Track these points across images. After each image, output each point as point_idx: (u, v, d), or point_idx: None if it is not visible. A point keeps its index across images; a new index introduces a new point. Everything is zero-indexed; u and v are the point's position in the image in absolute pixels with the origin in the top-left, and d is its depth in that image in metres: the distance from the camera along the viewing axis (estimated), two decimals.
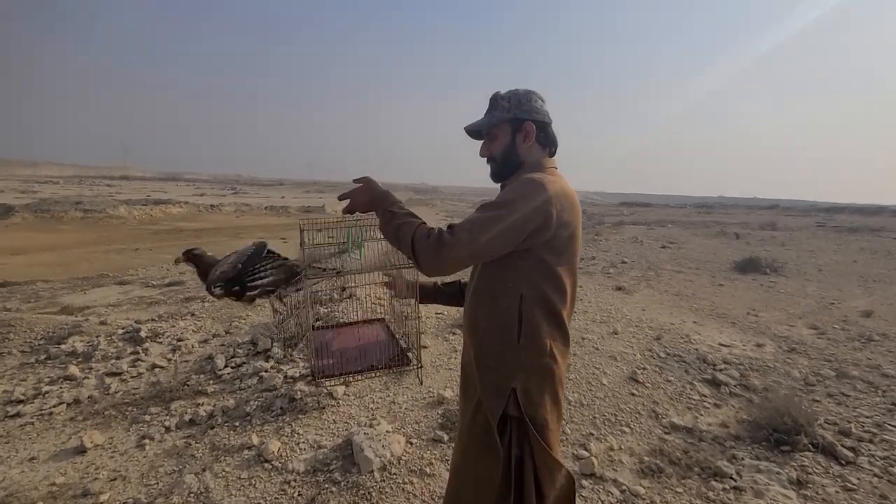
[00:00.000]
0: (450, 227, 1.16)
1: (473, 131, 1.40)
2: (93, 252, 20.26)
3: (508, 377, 1.23)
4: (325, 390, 3.13)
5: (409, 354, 1.68)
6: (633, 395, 3.28)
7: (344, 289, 3.30)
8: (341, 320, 2.34)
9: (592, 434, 2.81)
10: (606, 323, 4.77)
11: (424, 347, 3.89)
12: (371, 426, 2.69)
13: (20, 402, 3.46)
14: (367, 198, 1.31)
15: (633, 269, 7.04)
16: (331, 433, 2.74)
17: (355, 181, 1.37)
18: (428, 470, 2.46)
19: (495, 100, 1.35)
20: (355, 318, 2.37)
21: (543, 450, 1.22)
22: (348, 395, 3.13)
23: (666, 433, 2.83)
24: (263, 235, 26.43)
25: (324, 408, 2.99)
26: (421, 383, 2.42)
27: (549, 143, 1.36)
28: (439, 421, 2.78)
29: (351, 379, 1.80)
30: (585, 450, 2.64)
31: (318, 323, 2.18)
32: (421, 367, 1.63)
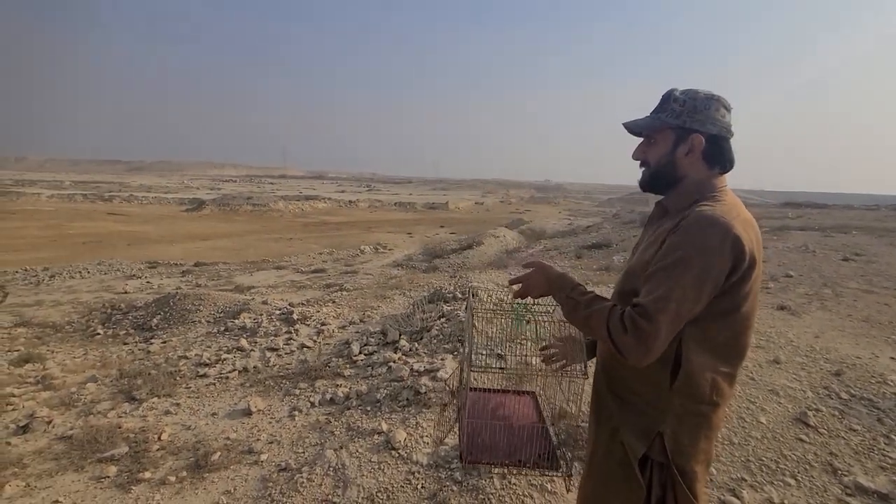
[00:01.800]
0: (636, 305, 1.02)
1: (632, 129, 1.25)
2: (258, 240, 24.01)
3: (656, 420, 1.10)
4: (448, 388, 3.23)
5: (560, 453, 1.47)
6: (801, 440, 2.74)
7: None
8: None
9: (745, 480, 2.42)
10: (765, 349, 4.08)
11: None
12: None
13: (206, 365, 4.23)
14: (543, 283, 1.23)
15: (802, 285, 5.92)
16: (453, 431, 2.81)
17: (526, 266, 1.30)
18: (549, 487, 2.37)
19: (666, 99, 1.18)
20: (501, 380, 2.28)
21: (689, 500, 1.09)
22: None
23: (848, 495, 2.31)
24: (392, 230, 28.51)
25: (447, 405, 3.07)
26: (568, 491, 2.22)
27: (720, 161, 1.17)
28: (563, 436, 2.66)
29: (497, 470, 1.73)
30: (736, 496, 2.29)
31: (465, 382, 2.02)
32: (570, 476, 1.41)
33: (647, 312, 0.99)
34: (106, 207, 38.42)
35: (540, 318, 1.65)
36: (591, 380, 1.34)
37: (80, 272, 15.15)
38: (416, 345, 4.12)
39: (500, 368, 1.62)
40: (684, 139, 1.15)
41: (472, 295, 1.72)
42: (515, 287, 1.30)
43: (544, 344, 1.69)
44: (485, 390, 1.93)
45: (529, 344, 1.76)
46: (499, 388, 1.94)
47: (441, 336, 4.18)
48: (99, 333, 6.60)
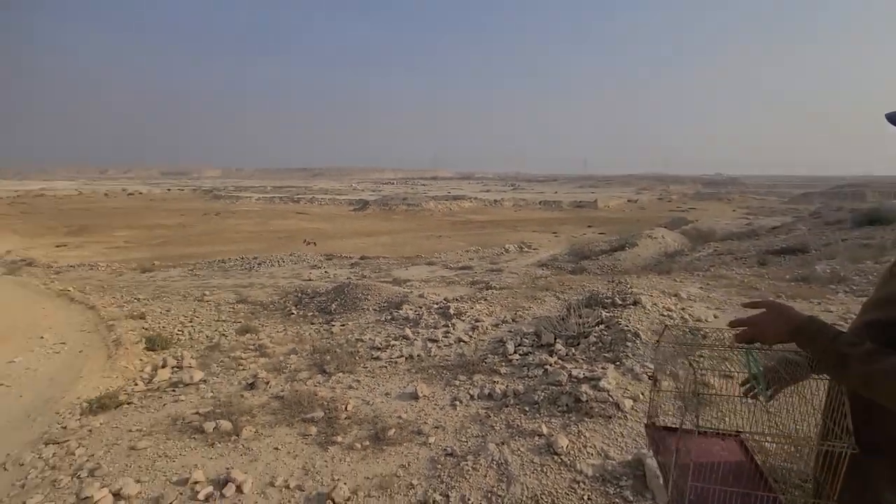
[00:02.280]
0: None
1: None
2: (412, 237, 26.17)
3: None
4: (611, 399, 3.05)
5: None
6: None
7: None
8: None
9: None
10: None
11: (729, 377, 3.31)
12: None
13: (378, 349, 4.76)
14: (782, 328, 1.00)
15: None
16: (618, 446, 2.65)
17: (750, 305, 1.09)
18: None
19: None
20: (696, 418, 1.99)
21: None
22: (636, 412, 2.97)
23: None
24: (536, 229, 28.21)
25: (610, 417, 2.92)
26: None
27: None
28: (674, 405, 2.30)
29: None
30: None
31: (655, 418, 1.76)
32: None
33: None
34: (295, 208, 46.09)
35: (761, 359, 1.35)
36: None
37: (277, 261, 18.45)
38: (573, 350, 3.99)
39: (735, 432, 1.38)
40: None
41: (665, 328, 1.51)
42: (738, 331, 1.08)
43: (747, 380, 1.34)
44: (674, 430, 1.65)
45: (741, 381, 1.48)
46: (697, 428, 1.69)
47: (601, 344, 3.98)
48: (293, 313, 7.95)
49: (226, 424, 3.25)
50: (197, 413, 3.50)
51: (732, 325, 1.11)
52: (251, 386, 4.07)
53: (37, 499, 2.56)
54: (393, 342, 4.87)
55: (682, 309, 4.56)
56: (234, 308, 8.56)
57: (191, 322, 7.25)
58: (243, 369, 4.59)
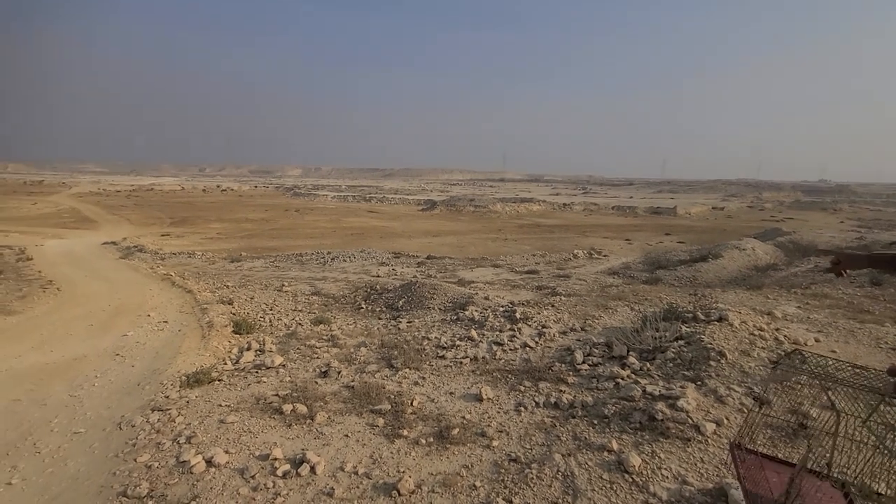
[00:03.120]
0: None
1: None
2: (478, 238, 26.18)
3: None
4: (691, 421, 2.85)
5: None
6: None
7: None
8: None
9: None
10: None
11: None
12: None
13: (444, 348, 4.82)
14: None
15: None
16: (697, 472, 2.47)
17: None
18: None
19: None
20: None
21: None
22: (719, 437, 2.74)
23: None
24: (608, 235, 27.01)
25: (689, 440, 2.73)
26: None
27: None
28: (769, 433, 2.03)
29: None
30: None
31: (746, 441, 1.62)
32: None
33: None
34: (366, 206, 48.00)
35: None
36: None
37: (349, 257, 19.32)
38: (648, 365, 3.78)
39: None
40: None
41: (796, 359, 1.36)
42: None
43: None
44: (765, 457, 1.48)
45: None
46: (777, 454, 1.50)
47: (679, 360, 3.73)
48: (362, 308, 8.28)
49: (301, 408, 3.47)
50: (276, 395, 3.77)
51: (891, 372, 0.99)
52: (324, 374, 4.31)
53: (145, 457, 2.91)
54: (458, 342, 4.91)
55: (777, 329, 4.14)
56: (309, 299, 9.10)
57: (271, 310, 7.82)
58: (317, 357, 4.86)
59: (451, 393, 3.79)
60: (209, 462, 2.79)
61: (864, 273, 9.32)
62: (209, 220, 33.13)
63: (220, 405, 3.64)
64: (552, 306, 6.20)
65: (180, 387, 4.05)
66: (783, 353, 1.43)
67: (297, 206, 46.21)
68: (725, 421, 2.87)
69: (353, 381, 4.08)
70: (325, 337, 5.89)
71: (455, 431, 3.08)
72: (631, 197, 65.37)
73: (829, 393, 1.22)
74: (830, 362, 1.78)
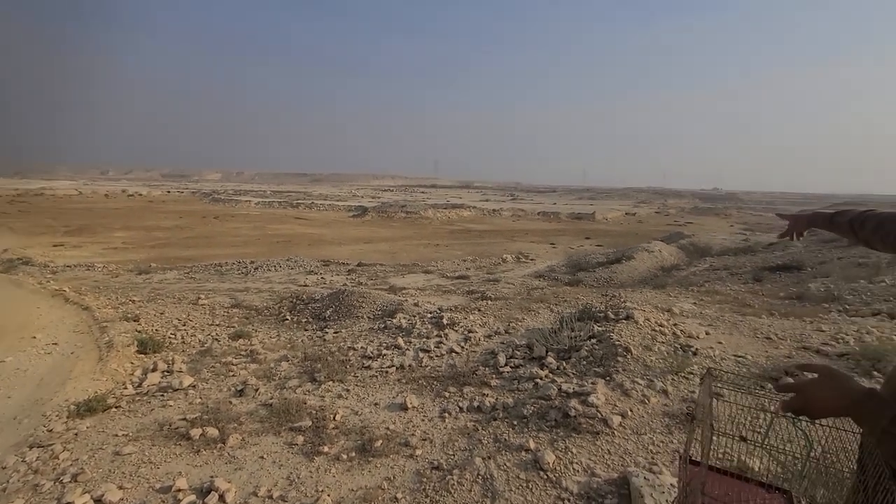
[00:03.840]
0: None
1: None
2: (409, 244, 26.16)
3: None
4: (600, 415, 3.05)
5: None
6: None
7: None
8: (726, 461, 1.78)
9: None
10: None
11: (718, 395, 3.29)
12: (651, 471, 2.45)
13: (370, 357, 4.74)
14: (837, 402, 0.88)
15: None
16: (604, 463, 2.64)
17: (806, 368, 0.99)
18: None
19: None
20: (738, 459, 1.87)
21: None
22: (624, 428, 2.96)
23: None
24: (534, 240, 28.24)
25: (598, 433, 2.91)
26: None
27: None
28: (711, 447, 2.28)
29: None
30: None
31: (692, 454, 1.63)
32: None
33: None
34: (294, 213, 46.09)
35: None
36: None
37: (274, 266, 18.42)
38: (564, 364, 3.99)
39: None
40: None
41: (709, 375, 1.45)
42: (787, 397, 0.96)
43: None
44: (719, 471, 1.49)
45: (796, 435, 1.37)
46: (735, 470, 1.52)
47: (591, 358, 3.98)
48: (287, 319, 7.93)
49: (212, 431, 3.23)
50: (184, 419, 3.47)
51: (780, 389, 1.01)
52: (240, 392, 4.05)
53: (17, 503, 2.54)
54: (385, 351, 4.85)
55: (675, 325, 4.57)
56: (228, 312, 8.54)
57: (184, 325, 7.23)
58: (233, 375, 4.56)
59: (375, 404, 3.73)
60: (99, 501, 2.49)
61: (747, 270, 10.60)
62: (112, 229, 29.96)
63: (117, 435, 3.28)
64: (479, 311, 6.34)
65: (68, 417, 3.60)
66: (702, 372, 1.55)
67: (217, 213, 43.28)
68: (629, 412, 3.10)
69: (271, 398, 3.87)
70: (243, 352, 5.55)
71: (378, 443, 3.03)
72: (555, 203, 68.95)
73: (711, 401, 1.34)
74: (741, 380, 1.96)
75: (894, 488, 0.84)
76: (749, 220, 52.09)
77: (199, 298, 9.37)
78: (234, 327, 7.26)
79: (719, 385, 1.46)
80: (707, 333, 4.47)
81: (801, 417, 0.94)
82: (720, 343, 4.19)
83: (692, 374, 3.56)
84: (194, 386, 4.27)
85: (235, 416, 3.53)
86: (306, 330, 7.08)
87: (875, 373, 3.41)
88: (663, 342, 4.11)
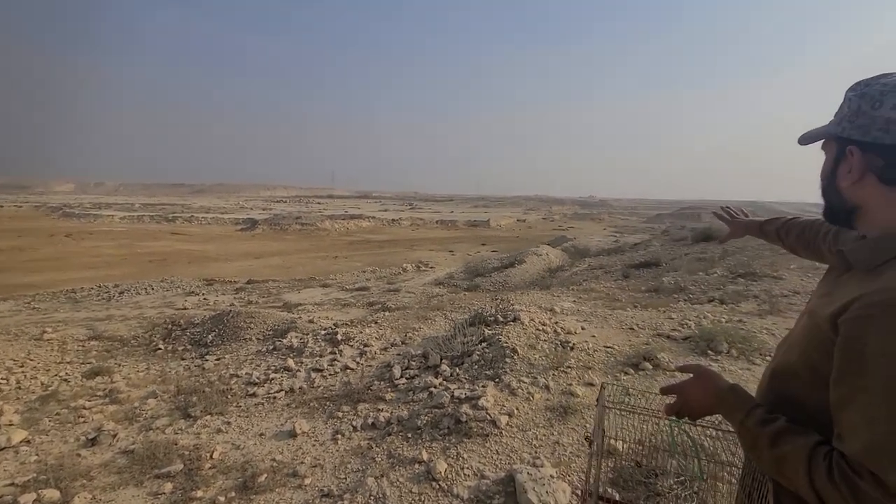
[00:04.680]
0: (846, 456, 0.69)
1: (803, 143, 0.95)
2: (306, 258, 24.97)
3: None
4: (489, 417, 3.17)
5: None
6: None
7: None
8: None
9: None
10: None
11: (591, 385, 3.63)
12: (534, 466, 2.61)
13: (255, 384, 4.39)
14: (709, 400, 0.94)
15: None
16: (493, 464, 2.75)
17: (683, 370, 1.02)
18: None
19: (846, 94, 0.86)
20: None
21: None
22: (511, 427, 3.11)
23: None
24: (434, 248, 28.79)
25: (487, 435, 3.02)
26: None
27: None
28: (610, 476, 2.53)
29: None
30: None
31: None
32: None
33: (877, 467, 0.65)
34: (170, 228, 41.28)
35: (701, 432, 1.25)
36: None
37: (145, 289, 16.29)
38: (458, 370, 4.09)
39: None
40: (843, 155, 0.85)
41: (602, 390, 1.48)
42: (669, 399, 1.01)
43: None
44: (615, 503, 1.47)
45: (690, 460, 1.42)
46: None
47: (482, 362, 4.13)
48: (160, 348, 7.04)
49: (51, 494, 2.70)
50: (12, 484, 2.87)
51: (663, 391, 1.04)
52: (93, 441, 3.46)
53: None
54: (273, 375, 4.53)
55: (556, 323, 4.95)
56: (84, 346, 7.35)
57: (21, 367, 6.01)
58: (84, 422, 3.90)
59: (260, 434, 3.45)
60: None
61: (617, 269, 11.96)
62: None
63: None
64: (375, 323, 6.25)
65: None
66: (600, 387, 1.61)
67: (70, 230, 37.05)
68: (516, 411, 3.27)
69: (133, 443, 3.37)
70: (100, 392, 4.79)
71: (262, 478, 2.80)
72: (452, 212, 71.24)
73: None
74: (633, 392, 2.15)
75: (768, 482, 0.90)
76: (618, 223, 59.20)
77: (43, 332, 7.90)
78: (90, 363, 6.25)
79: (609, 404, 1.53)
80: (583, 328, 4.92)
81: (683, 419, 1.00)
82: (593, 336, 4.64)
83: (570, 367, 3.88)
84: (29, 441, 3.56)
85: (84, 470, 3.00)
86: (183, 359, 6.35)
87: (710, 352, 4.05)
88: (546, 340, 4.43)
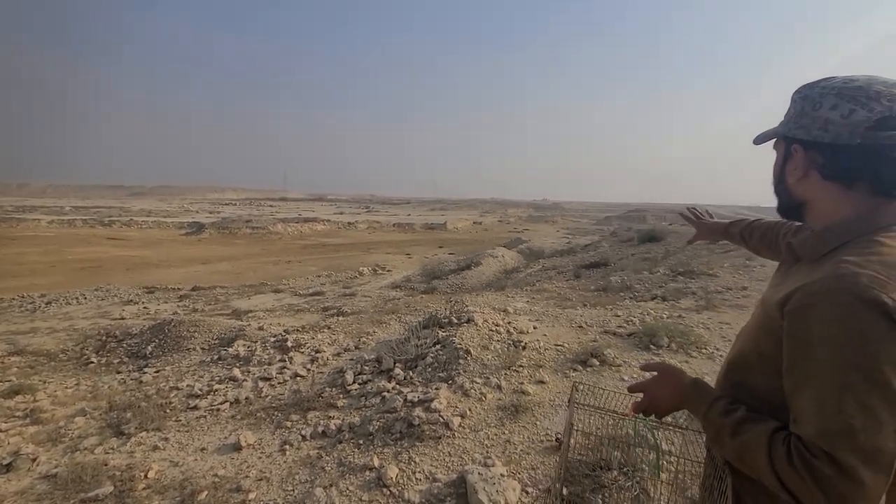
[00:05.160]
0: (801, 438, 0.73)
1: (757, 143, 1.00)
2: (257, 263, 24.02)
3: None
4: (442, 419, 3.16)
5: None
6: None
7: None
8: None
9: None
10: None
11: (542, 382, 3.72)
12: (486, 465, 2.62)
13: (197, 396, 4.16)
14: (673, 396, 0.97)
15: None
16: (445, 466, 2.74)
17: (647, 369, 1.06)
18: None
19: (792, 97, 0.92)
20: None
21: None
22: (464, 428, 3.12)
23: None
24: (390, 251, 28.53)
25: (440, 438, 3.01)
26: None
27: (860, 178, 0.82)
28: (558, 471, 2.59)
29: None
30: None
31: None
32: None
33: (832, 450, 0.68)
34: (106, 232, 38.50)
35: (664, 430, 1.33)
36: None
37: (76, 298, 15.09)
38: (411, 373, 4.06)
39: None
40: (790, 153, 0.91)
41: (575, 389, 1.49)
42: (636, 397, 1.05)
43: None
44: None
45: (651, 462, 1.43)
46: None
47: (436, 364, 4.12)
48: (93, 362, 6.54)
49: None
50: None
51: (631, 390, 1.06)
52: (7, 468, 3.14)
53: None
54: (217, 386, 4.31)
55: (509, 323, 5.03)
56: (2, 363, 6.71)
57: None
58: None
59: (202, 449, 3.26)
60: None
61: (569, 269, 12.35)
62: None
63: None
64: (328, 328, 6.10)
65: None
66: (572, 387, 1.62)
67: None
68: (468, 412, 3.29)
69: (56, 466, 3.10)
70: (20, 413, 4.37)
71: (203, 495, 2.65)
72: (409, 214, 71.02)
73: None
74: (603, 392, 2.19)
75: (727, 477, 0.92)
76: (571, 225, 61.29)
77: None
78: (10, 381, 5.70)
79: (578, 403, 1.52)
80: (535, 328, 5.02)
81: (650, 417, 1.03)
82: (545, 335, 4.75)
83: (522, 366, 3.95)
84: None
85: None
86: (119, 373, 5.93)
87: (652, 346, 4.25)
88: (499, 340, 4.48)
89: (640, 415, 1.02)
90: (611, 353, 4.07)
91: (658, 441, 1.22)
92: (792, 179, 0.91)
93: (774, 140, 0.96)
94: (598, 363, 3.95)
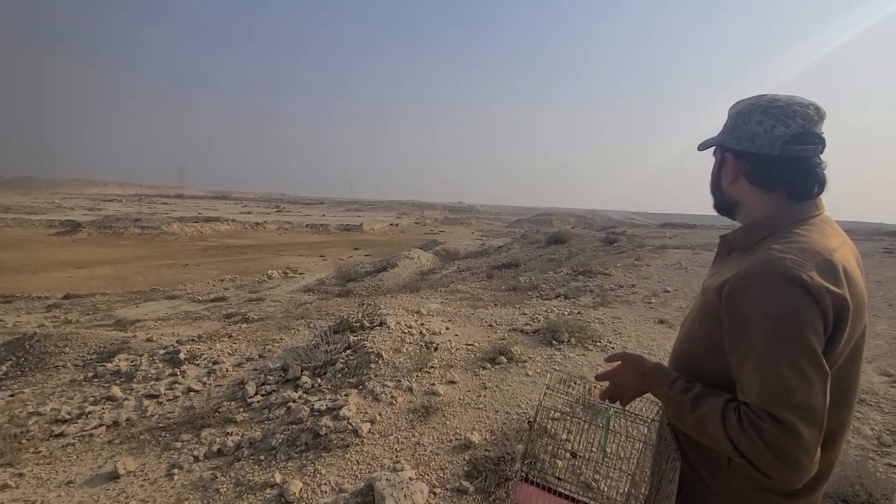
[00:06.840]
0: (748, 405, 0.81)
1: (701, 149, 1.12)
2: (147, 266, 21.51)
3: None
4: (351, 427, 3.07)
5: None
6: None
7: None
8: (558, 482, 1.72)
9: None
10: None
11: (453, 382, 3.78)
12: (394, 470, 2.60)
13: (64, 421, 3.61)
14: (638, 381, 1.04)
15: (677, 299, 6.66)
16: (353, 475, 2.67)
17: (611, 359, 1.13)
18: None
19: (728, 111, 1.05)
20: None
21: None
22: (373, 434, 3.06)
23: None
24: (303, 253, 27.23)
25: (348, 446, 2.93)
26: None
27: (780, 184, 0.96)
28: (465, 468, 2.65)
29: None
30: None
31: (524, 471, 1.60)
32: None
33: (775, 410, 0.77)
34: None
35: (628, 418, 1.38)
36: None
37: None
38: (319, 381, 3.89)
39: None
40: (724, 160, 1.05)
41: (548, 388, 1.46)
42: (603, 384, 1.11)
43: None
44: (548, 489, 1.47)
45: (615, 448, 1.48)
46: (566, 491, 1.50)
47: (346, 369, 4.01)
48: None
49: None
50: None
51: (599, 378, 1.13)
52: None
53: None
54: (90, 408, 3.77)
55: (422, 324, 5.05)
56: None
57: None
58: None
59: (69, 483, 2.83)
60: None
61: (483, 270, 12.77)
62: None
63: None
64: (229, 336, 5.64)
65: None
66: (549, 376, 1.58)
67: None
68: (378, 417, 3.24)
69: None
70: None
71: None
72: (323, 215, 68.44)
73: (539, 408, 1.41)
74: (581, 382, 2.20)
75: (677, 460, 1.00)
76: (485, 227, 63.48)
77: None
78: None
79: (550, 390, 1.53)
80: (447, 328, 5.10)
81: (615, 403, 1.10)
82: (457, 335, 4.84)
83: (433, 367, 3.99)
84: None
85: None
86: None
87: (554, 342, 4.54)
88: (411, 342, 4.48)
89: (607, 401, 1.10)
90: (517, 350, 4.26)
91: (608, 423, 1.31)
92: (725, 183, 1.05)
93: (714, 147, 1.09)
94: (505, 360, 4.11)
